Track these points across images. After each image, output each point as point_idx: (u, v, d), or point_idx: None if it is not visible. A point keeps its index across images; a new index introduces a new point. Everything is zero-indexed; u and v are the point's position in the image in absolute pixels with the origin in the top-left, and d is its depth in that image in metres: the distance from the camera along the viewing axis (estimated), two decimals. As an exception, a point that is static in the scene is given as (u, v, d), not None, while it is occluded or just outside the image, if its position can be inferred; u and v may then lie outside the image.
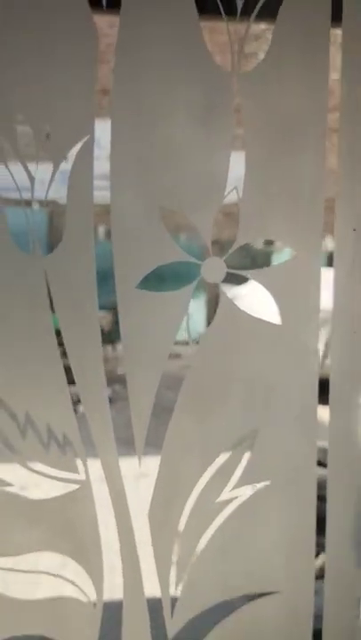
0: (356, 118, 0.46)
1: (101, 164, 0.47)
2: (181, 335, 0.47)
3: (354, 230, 0.47)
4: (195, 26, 0.44)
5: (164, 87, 0.44)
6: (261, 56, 0.47)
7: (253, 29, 0.45)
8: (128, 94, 0.43)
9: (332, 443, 0.46)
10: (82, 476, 0.45)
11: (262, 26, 0.49)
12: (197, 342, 0.47)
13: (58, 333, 0.45)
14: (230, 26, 0.44)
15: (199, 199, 0.45)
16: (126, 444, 0.48)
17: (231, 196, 0.47)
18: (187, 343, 0.47)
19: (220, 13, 0.44)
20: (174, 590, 0.46)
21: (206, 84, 0.44)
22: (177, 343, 0.47)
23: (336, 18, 0.47)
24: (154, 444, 0.48)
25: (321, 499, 0.47)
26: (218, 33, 0.45)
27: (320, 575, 0.50)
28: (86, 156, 0.43)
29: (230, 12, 0.44)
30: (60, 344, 0.44)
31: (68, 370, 0.45)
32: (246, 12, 0.44)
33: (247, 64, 0.47)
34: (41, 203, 0.43)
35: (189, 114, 0.44)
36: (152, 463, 0.47)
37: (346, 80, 0.46)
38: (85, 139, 0.43)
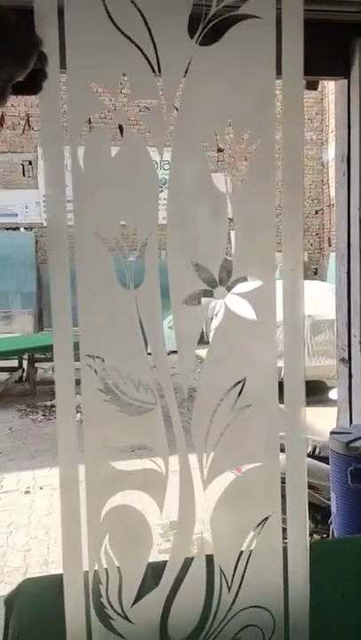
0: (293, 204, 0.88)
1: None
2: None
3: (292, 270, 0.88)
4: (206, 167, 0.86)
5: (195, 198, 0.86)
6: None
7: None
8: (177, 210, 0.84)
9: (286, 377, 0.88)
10: (156, 404, 0.86)
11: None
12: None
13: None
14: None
15: (211, 256, 0.87)
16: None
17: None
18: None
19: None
20: (207, 463, 0.86)
21: (211, 198, 0.86)
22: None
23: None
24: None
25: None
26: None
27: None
28: (153, 241, 0.84)
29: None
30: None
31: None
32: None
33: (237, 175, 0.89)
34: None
35: (206, 213, 0.86)
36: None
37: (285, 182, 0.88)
38: (152, 231, 0.84)
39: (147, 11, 0.79)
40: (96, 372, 0.84)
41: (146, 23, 0.79)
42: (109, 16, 0.78)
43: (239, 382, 0.87)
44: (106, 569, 0.85)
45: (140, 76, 0.81)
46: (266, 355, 0.88)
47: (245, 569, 0.88)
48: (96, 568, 0.85)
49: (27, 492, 4.53)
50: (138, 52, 0.80)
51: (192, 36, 0.81)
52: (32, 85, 0.71)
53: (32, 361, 7.60)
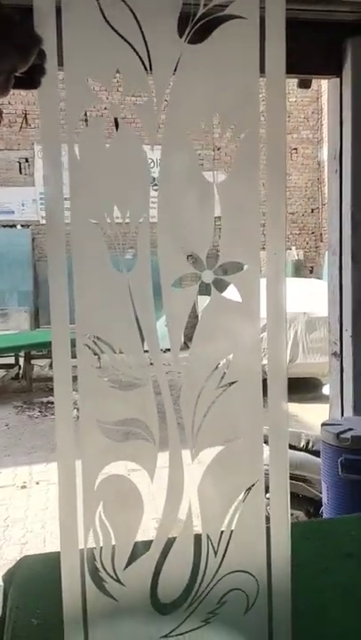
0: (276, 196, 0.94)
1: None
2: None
3: (275, 254, 0.94)
4: (195, 157, 0.92)
5: (184, 187, 0.91)
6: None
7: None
8: (167, 198, 0.90)
9: (270, 355, 0.94)
10: (147, 380, 0.91)
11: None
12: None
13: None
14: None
15: (200, 242, 0.92)
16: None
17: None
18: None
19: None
20: (195, 435, 0.92)
21: (200, 190, 0.92)
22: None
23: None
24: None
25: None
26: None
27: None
28: (145, 225, 0.90)
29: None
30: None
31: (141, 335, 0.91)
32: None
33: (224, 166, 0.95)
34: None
35: (196, 202, 0.92)
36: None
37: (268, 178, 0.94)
38: (145, 215, 0.90)
39: (138, 10, 0.84)
40: (91, 349, 0.89)
41: (138, 22, 0.85)
42: (103, 15, 0.84)
43: (226, 360, 0.93)
44: (100, 534, 0.91)
45: (132, 72, 0.87)
46: (250, 334, 0.94)
47: (231, 535, 0.94)
48: (90, 535, 0.91)
49: (23, 487, 4.58)
50: (130, 49, 0.86)
51: (181, 35, 0.86)
52: (31, 80, 0.77)
53: (28, 358, 7.67)
